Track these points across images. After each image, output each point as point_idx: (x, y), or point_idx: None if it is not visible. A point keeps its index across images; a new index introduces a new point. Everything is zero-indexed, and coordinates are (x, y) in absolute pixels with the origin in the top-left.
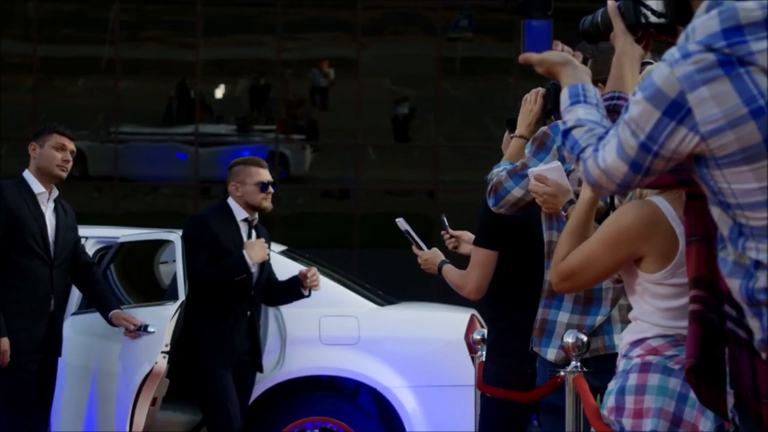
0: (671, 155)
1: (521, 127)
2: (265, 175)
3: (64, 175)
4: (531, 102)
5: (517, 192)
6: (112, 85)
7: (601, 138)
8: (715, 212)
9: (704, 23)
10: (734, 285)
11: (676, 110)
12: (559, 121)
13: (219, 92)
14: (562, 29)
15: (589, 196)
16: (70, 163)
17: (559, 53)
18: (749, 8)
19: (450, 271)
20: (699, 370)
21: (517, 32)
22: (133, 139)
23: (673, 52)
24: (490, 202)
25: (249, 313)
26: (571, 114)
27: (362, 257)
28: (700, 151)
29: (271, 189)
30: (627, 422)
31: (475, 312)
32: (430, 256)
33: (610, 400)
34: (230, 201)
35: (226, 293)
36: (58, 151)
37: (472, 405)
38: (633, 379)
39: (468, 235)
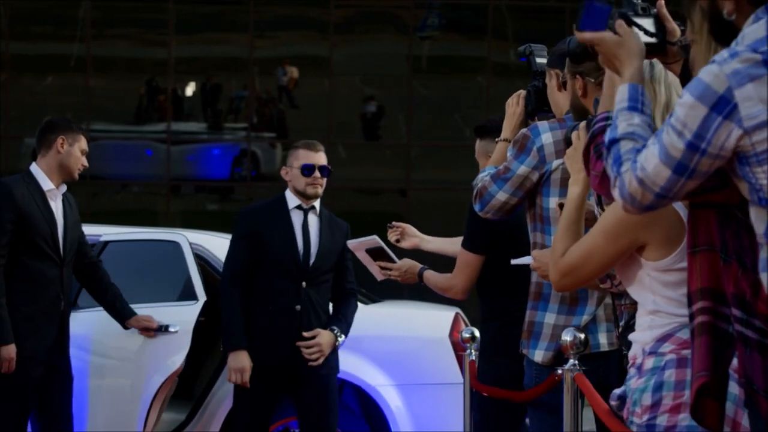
0: (718, 152)
1: (506, 131)
2: (313, 158)
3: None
4: (513, 105)
5: (501, 196)
6: (83, 82)
7: (638, 150)
8: (753, 212)
9: (753, 30)
10: (765, 278)
11: (723, 105)
12: (596, 125)
13: (190, 90)
14: (547, 29)
15: (578, 193)
16: None
17: (616, 38)
18: None
19: (433, 276)
20: (710, 385)
21: (487, 32)
22: (104, 137)
23: (722, 53)
24: (476, 208)
25: (299, 308)
26: (625, 121)
27: None
28: (742, 147)
29: (317, 173)
30: (662, 418)
31: (459, 310)
32: (409, 266)
33: (645, 398)
34: (287, 190)
35: (272, 283)
36: (83, 155)
37: (457, 403)
38: (671, 375)
39: (411, 229)
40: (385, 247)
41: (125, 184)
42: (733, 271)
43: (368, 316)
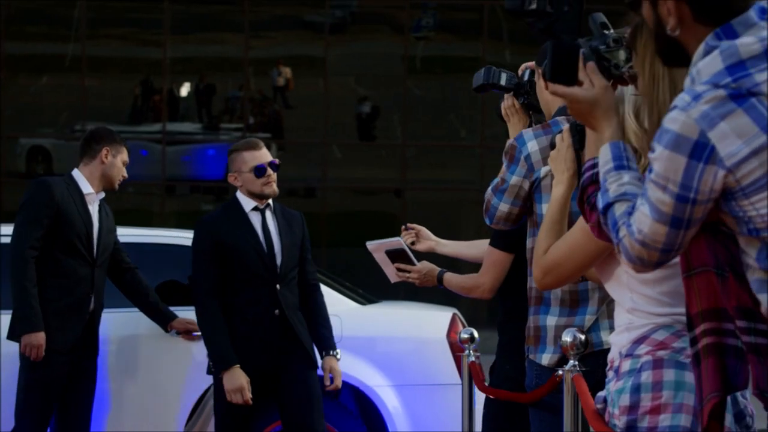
0: (708, 197)
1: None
2: (260, 156)
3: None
4: (515, 114)
5: (503, 207)
6: (78, 82)
7: (629, 213)
8: (742, 241)
9: (708, 64)
10: (765, 299)
11: (701, 150)
12: (595, 179)
13: (185, 90)
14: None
15: (561, 193)
16: None
17: (590, 95)
18: (748, 43)
19: (454, 277)
20: (715, 407)
21: (483, 32)
22: None
23: (683, 97)
24: (486, 221)
25: (277, 312)
26: (615, 182)
27: (330, 256)
28: (727, 184)
29: (270, 171)
30: (642, 419)
31: (457, 311)
32: (429, 269)
33: (623, 399)
34: (238, 193)
35: (247, 291)
36: (124, 166)
37: (454, 403)
38: (648, 377)
39: (426, 232)
40: (408, 249)
41: (120, 185)
42: (731, 285)
43: (365, 317)
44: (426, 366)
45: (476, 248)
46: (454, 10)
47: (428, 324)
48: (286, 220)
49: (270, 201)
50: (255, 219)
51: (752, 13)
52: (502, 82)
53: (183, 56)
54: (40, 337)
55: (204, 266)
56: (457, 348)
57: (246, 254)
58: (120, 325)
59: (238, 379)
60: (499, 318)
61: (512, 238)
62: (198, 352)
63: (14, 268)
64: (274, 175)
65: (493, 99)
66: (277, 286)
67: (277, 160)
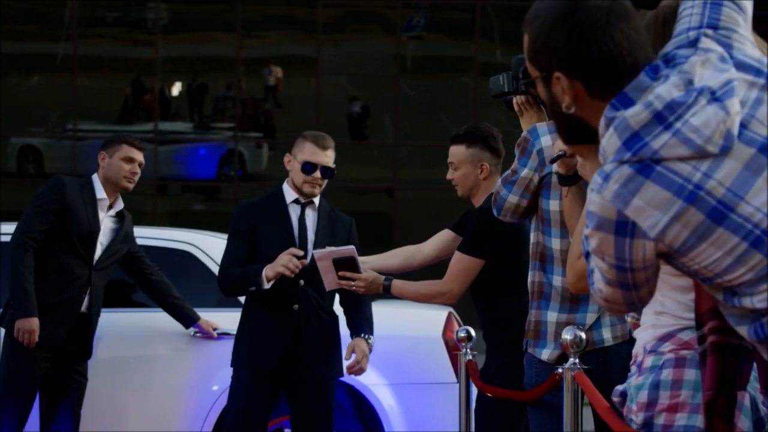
0: (644, 265)
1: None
2: (318, 156)
3: (131, 186)
4: (531, 108)
5: (512, 199)
6: (70, 82)
7: (593, 270)
8: (705, 287)
9: (608, 143)
10: (743, 330)
11: (623, 228)
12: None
13: (177, 90)
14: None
15: None
16: (138, 175)
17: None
18: (635, 113)
19: (408, 285)
20: (717, 402)
21: (474, 32)
22: (90, 137)
23: (596, 179)
24: (494, 212)
25: (296, 307)
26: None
27: None
28: (660, 250)
29: (318, 174)
30: (659, 417)
31: (452, 310)
32: (374, 277)
33: (641, 395)
34: (284, 183)
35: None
36: (126, 163)
37: (450, 402)
38: (668, 374)
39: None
40: (357, 258)
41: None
42: None
43: None
44: (422, 364)
45: (396, 257)
46: (445, 9)
47: (424, 323)
48: (330, 220)
49: (315, 199)
50: (293, 211)
51: (643, 77)
52: (522, 86)
53: (175, 56)
54: (33, 323)
55: (232, 250)
56: (452, 346)
57: (271, 244)
58: (143, 324)
59: (281, 260)
60: (486, 329)
61: (482, 244)
62: (224, 349)
63: (12, 255)
64: (321, 180)
65: (485, 98)
66: (301, 281)
67: (334, 167)
